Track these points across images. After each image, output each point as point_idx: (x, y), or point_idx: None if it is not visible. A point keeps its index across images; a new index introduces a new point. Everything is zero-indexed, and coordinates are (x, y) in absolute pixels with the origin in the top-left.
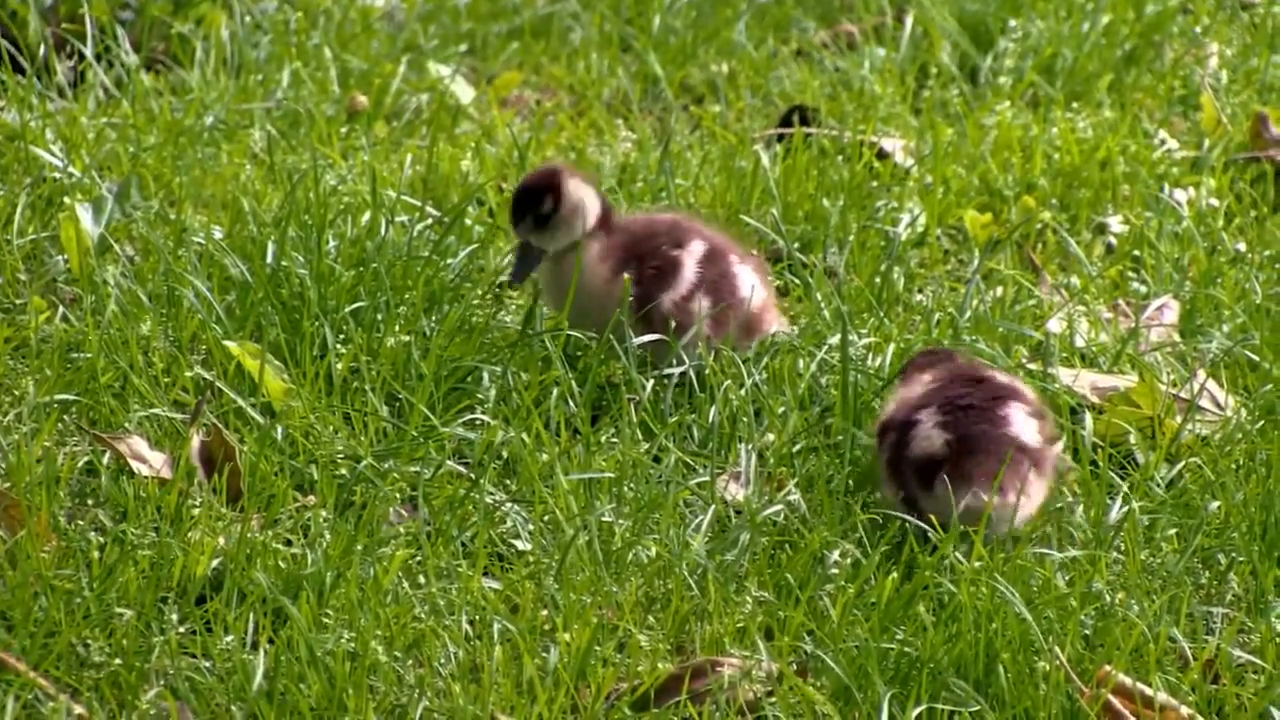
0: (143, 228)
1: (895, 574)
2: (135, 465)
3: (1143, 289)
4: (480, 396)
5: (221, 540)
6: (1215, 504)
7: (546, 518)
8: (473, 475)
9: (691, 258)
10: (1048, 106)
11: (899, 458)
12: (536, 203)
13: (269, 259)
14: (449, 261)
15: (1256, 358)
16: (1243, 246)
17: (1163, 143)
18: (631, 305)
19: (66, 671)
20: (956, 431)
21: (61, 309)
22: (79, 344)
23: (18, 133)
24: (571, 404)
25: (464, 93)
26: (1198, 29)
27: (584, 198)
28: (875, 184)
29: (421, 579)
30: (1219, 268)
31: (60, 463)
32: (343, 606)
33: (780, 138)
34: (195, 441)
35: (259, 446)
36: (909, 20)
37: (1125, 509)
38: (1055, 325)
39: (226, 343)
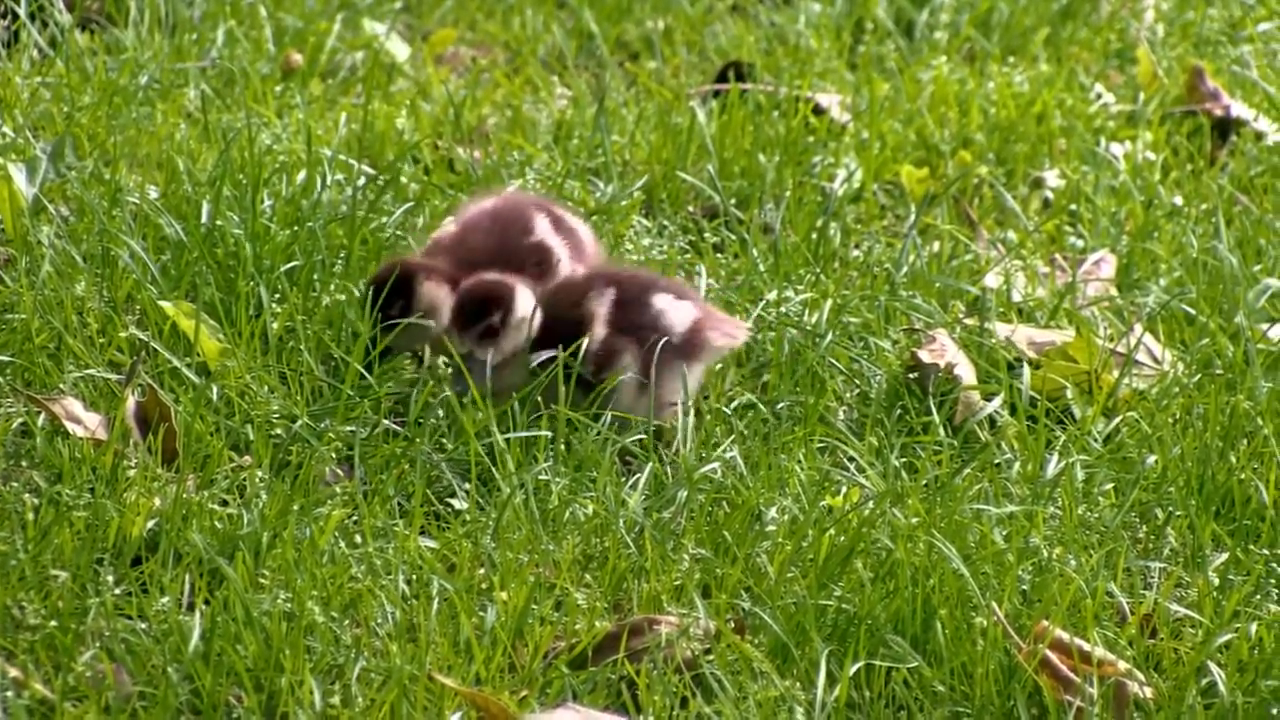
0: (77, 188)
1: (833, 531)
2: (70, 426)
3: (1079, 243)
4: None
5: (157, 501)
6: (1152, 458)
7: (483, 476)
8: (409, 434)
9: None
10: (984, 61)
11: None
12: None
13: (204, 218)
14: (384, 220)
15: (1193, 311)
16: (1179, 200)
17: (1099, 97)
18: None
19: (1, 634)
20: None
21: None
22: (13, 305)
23: None
24: None
25: (399, 50)
26: None
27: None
28: (811, 140)
29: (358, 539)
30: (1156, 222)
31: None
32: (279, 567)
33: (716, 94)
34: (130, 402)
35: (194, 407)
36: None
37: (1062, 464)
38: (992, 280)
39: (161, 303)
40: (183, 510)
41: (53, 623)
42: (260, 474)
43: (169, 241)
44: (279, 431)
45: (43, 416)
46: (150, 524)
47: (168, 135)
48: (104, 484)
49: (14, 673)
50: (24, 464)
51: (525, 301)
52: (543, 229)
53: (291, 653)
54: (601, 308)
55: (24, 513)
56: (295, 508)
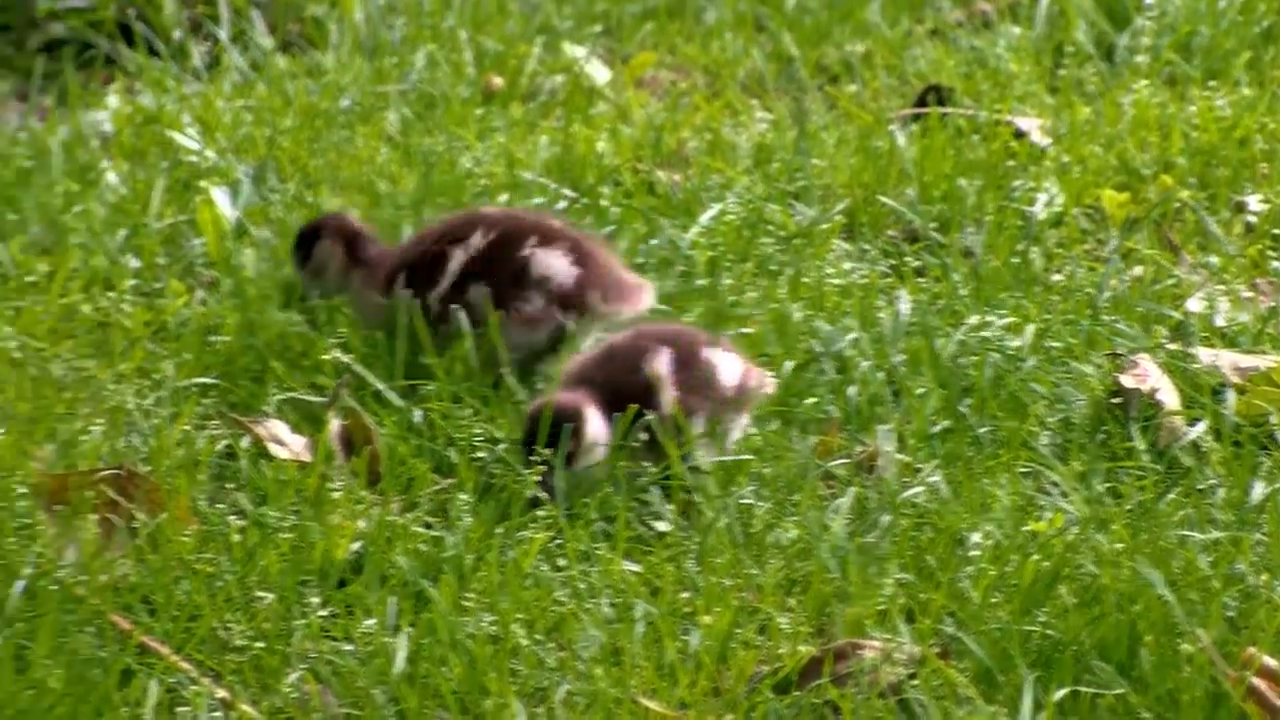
0: (279, 210)
1: (1036, 556)
2: (274, 449)
3: None
4: None
5: (361, 523)
6: None
7: (686, 499)
8: (612, 458)
9: (465, 250)
10: (1185, 85)
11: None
12: (296, 250)
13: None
14: None
15: None
16: None
17: None
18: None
19: (209, 655)
20: None
21: (199, 292)
22: (217, 327)
23: (155, 116)
24: None
25: (599, 73)
26: None
27: (327, 258)
28: (1012, 163)
29: (561, 562)
30: None
31: (200, 446)
32: (483, 589)
33: (916, 117)
34: (334, 425)
35: (397, 429)
36: None
37: (1268, 489)
38: (1195, 305)
39: None
40: (387, 532)
41: (259, 644)
42: (464, 496)
43: None
44: (482, 454)
45: (247, 439)
46: (355, 546)
47: (369, 158)
48: (309, 506)
49: (221, 693)
50: (229, 486)
51: (595, 426)
52: (473, 241)
53: (496, 675)
54: (664, 369)
55: (230, 534)
56: (499, 530)
